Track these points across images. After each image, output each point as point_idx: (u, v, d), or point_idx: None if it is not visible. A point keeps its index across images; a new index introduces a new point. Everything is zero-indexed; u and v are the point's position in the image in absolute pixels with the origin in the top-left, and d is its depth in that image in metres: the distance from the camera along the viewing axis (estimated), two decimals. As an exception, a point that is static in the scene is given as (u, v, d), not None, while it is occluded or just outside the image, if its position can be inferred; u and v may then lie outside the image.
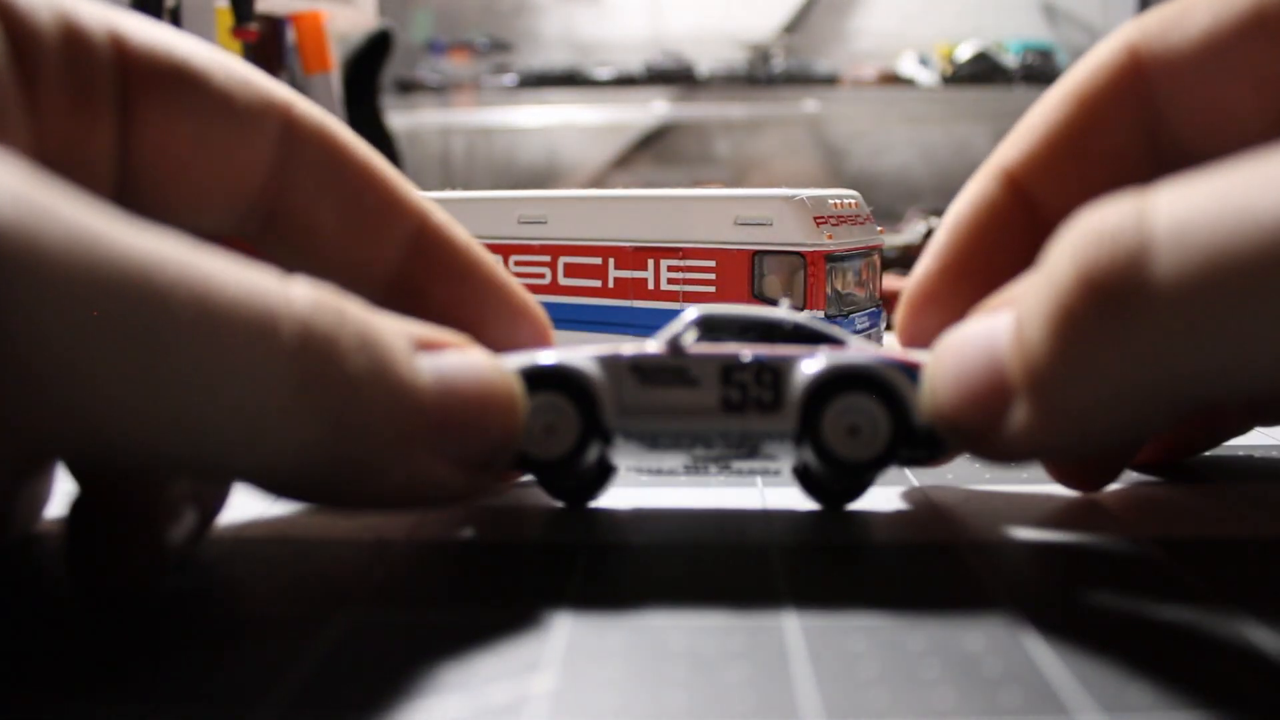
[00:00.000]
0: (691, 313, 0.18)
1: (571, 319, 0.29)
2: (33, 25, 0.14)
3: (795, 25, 1.71)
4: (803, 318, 0.18)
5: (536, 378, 0.17)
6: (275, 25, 0.58)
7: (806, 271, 0.26)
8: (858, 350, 0.18)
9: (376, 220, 0.18)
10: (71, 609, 0.16)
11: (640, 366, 0.17)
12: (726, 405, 0.17)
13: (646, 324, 0.28)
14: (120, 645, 0.14)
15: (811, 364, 0.17)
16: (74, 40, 0.15)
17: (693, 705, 0.13)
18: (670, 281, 0.28)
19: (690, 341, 0.18)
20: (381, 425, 0.14)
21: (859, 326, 0.28)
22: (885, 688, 0.13)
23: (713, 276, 0.27)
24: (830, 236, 0.26)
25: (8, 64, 0.14)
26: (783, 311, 0.18)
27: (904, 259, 0.58)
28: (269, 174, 0.17)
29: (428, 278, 0.19)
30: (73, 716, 0.12)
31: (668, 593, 0.16)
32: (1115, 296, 0.12)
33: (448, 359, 0.15)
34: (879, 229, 0.30)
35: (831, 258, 0.26)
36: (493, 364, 0.16)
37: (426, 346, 0.15)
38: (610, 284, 0.29)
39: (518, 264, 0.30)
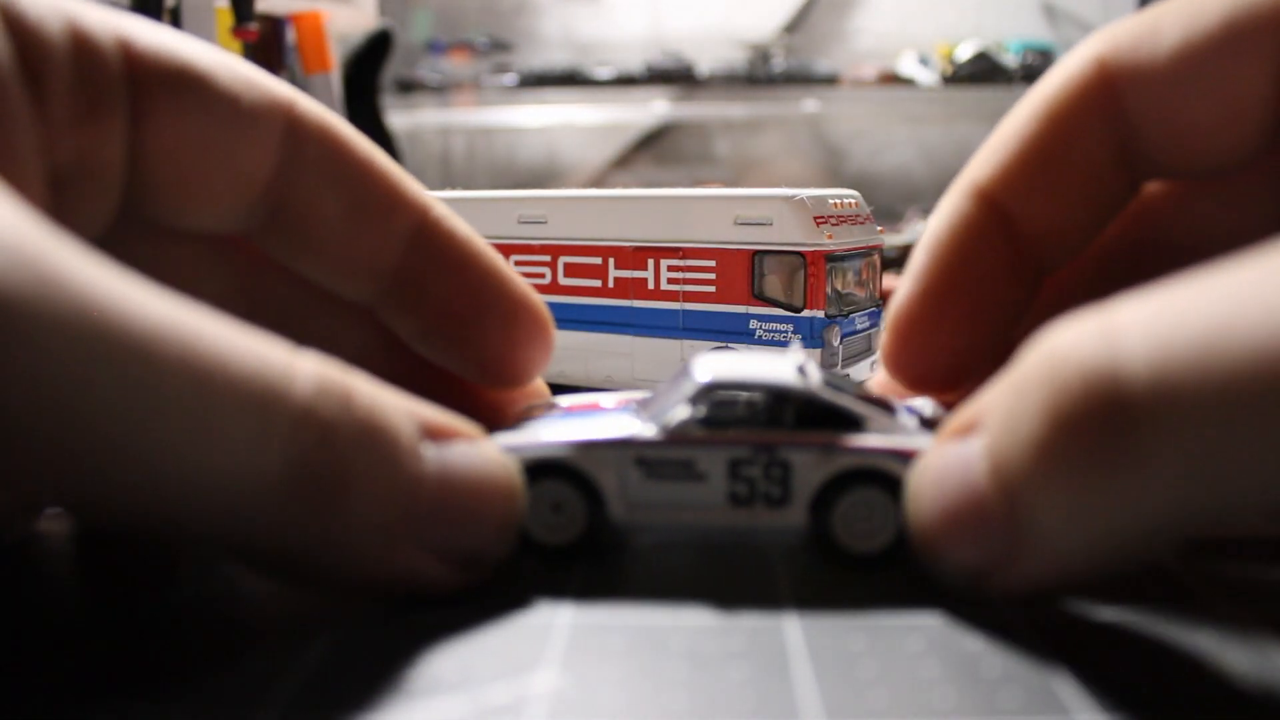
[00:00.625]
0: (698, 380, 0.17)
1: (572, 319, 0.29)
2: (43, 36, 0.14)
3: (795, 25, 1.71)
4: (815, 383, 0.16)
5: (542, 469, 0.17)
6: (275, 25, 0.58)
7: (807, 271, 0.26)
8: (871, 435, 0.16)
9: (378, 215, 0.18)
10: (71, 611, 0.16)
11: (645, 460, 0.16)
12: (734, 500, 0.16)
13: (646, 324, 0.28)
14: (120, 645, 0.14)
15: (820, 461, 0.16)
16: (83, 48, 0.15)
17: (693, 705, 0.13)
18: (670, 281, 0.28)
19: (696, 419, 0.17)
20: (371, 520, 0.13)
21: (859, 326, 0.28)
22: (885, 687, 0.13)
23: (713, 276, 0.27)
24: (830, 236, 0.26)
25: (17, 77, 0.14)
26: (792, 376, 0.16)
27: (904, 259, 0.58)
28: (273, 172, 0.17)
29: (429, 271, 0.19)
30: (72, 717, 0.12)
31: (668, 592, 0.16)
32: (1097, 440, 0.12)
33: (454, 452, 0.15)
34: (879, 229, 0.30)
35: (832, 257, 0.26)
36: (499, 460, 0.15)
37: (435, 434, 0.15)
38: (610, 284, 0.29)
39: (518, 264, 0.30)
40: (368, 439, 0.13)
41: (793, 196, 0.26)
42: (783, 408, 0.16)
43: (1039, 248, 0.17)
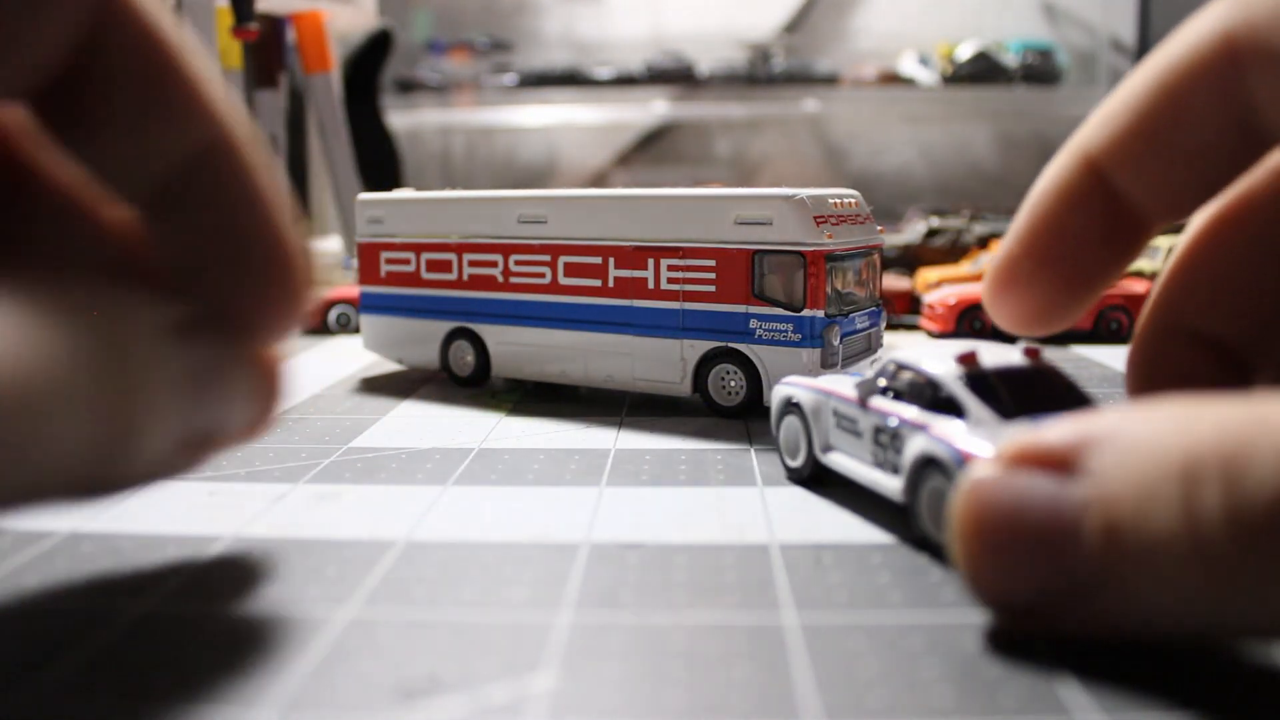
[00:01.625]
0: (890, 357, 0.20)
1: (572, 319, 0.29)
2: None
3: (795, 25, 1.71)
4: (956, 386, 0.18)
5: (790, 407, 0.22)
6: (275, 25, 0.58)
7: (806, 271, 0.26)
8: (959, 431, 0.17)
9: (168, 123, 0.17)
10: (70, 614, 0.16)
11: (838, 411, 0.20)
12: (875, 460, 0.19)
13: (646, 323, 0.28)
14: (121, 645, 0.14)
15: (916, 443, 0.18)
16: None
17: (693, 704, 0.13)
18: (670, 281, 0.28)
19: (878, 388, 0.19)
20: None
21: (859, 325, 0.28)
22: (884, 687, 0.13)
23: (713, 276, 0.27)
24: (830, 236, 0.26)
25: None
26: (946, 364, 0.18)
27: (904, 258, 0.58)
28: (72, 48, 0.16)
29: (202, 194, 0.17)
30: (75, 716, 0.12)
31: (668, 591, 0.16)
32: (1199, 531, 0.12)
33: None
34: (879, 228, 0.30)
35: (831, 257, 0.26)
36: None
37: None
38: (610, 283, 0.29)
39: (518, 264, 0.30)
40: None
41: (792, 196, 0.26)
42: (925, 390, 0.18)
43: (1143, 213, 0.17)
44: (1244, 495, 0.11)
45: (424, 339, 0.32)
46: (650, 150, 1.76)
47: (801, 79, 1.55)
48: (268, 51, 0.58)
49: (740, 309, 0.27)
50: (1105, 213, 0.17)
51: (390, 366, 0.36)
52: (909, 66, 1.52)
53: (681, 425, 0.27)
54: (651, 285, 0.28)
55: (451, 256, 0.31)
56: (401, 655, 0.14)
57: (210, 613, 0.15)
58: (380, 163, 0.72)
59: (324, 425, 0.27)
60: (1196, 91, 0.16)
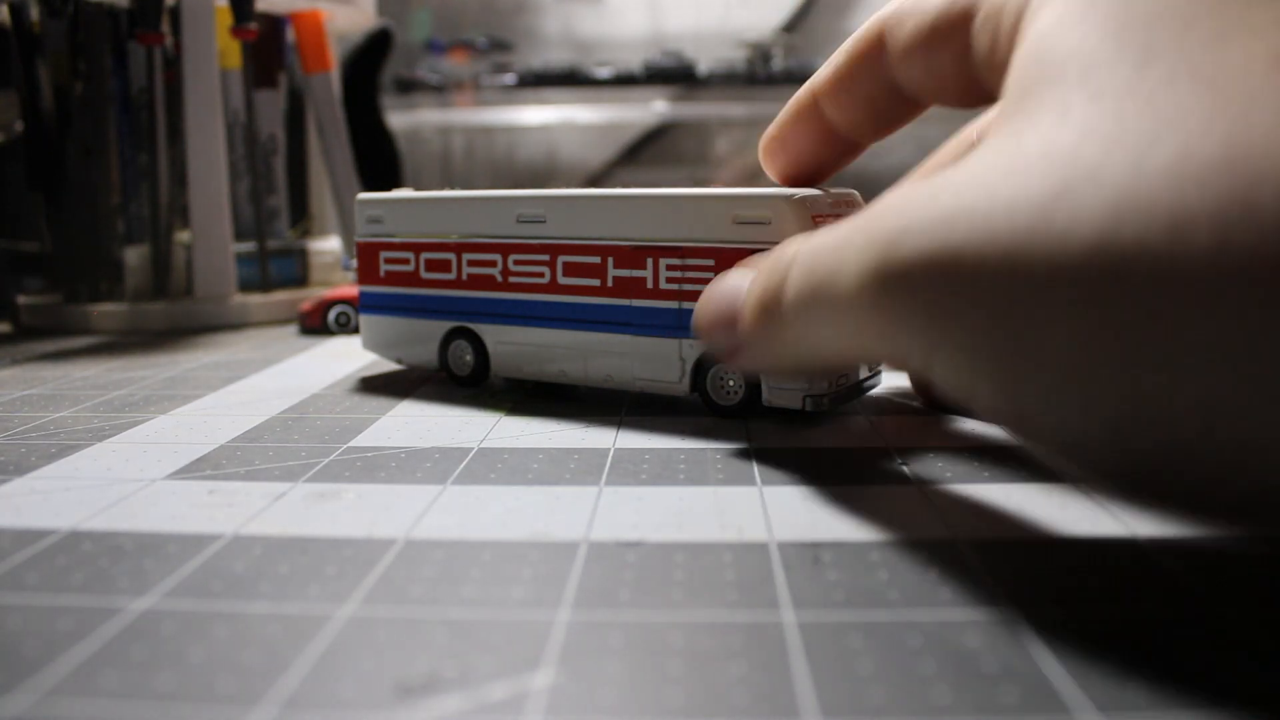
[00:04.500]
0: None
1: (572, 318, 0.29)
2: None
3: (795, 24, 1.71)
4: None
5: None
6: (275, 24, 0.58)
7: None
8: None
9: None
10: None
11: None
12: None
13: (645, 323, 0.28)
14: (121, 644, 0.14)
15: None
16: None
17: (691, 702, 0.13)
18: (669, 280, 0.27)
19: None
20: None
21: None
22: (883, 685, 0.13)
23: (711, 276, 0.27)
24: None
25: None
26: None
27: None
28: None
29: None
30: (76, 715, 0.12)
31: (666, 589, 0.16)
32: (770, 310, 0.19)
33: None
34: None
35: None
36: None
37: None
38: (609, 283, 0.28)
39: (517, 263, 0.30)
40: None
41: (791, 196, 0.26)
42: None
43: (841, 133, 0.25)
44: (780, 300, 0.19)
45: (423, 339, 0.32)
46: (650, 150, 1.76)
47: (801, 78, 1.55)
48: (267, 51, 0.58)
49: None
50: (818, 128, 0.25)
51: (390, 366, 0.36)
52: (908, 66, 1.51)
53: (681, 425, 0.27)
54: (650, 285, 0.28)
55: (450, 256, 0.31)
56: (401, 653, 0.14)
57: (210, 611, 0.15)
58: (380, 162, 0.72)
59: (324, 425, 0.27)
60: (863, 56, 0.23)
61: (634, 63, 1.60)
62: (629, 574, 0.17)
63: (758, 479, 0.22)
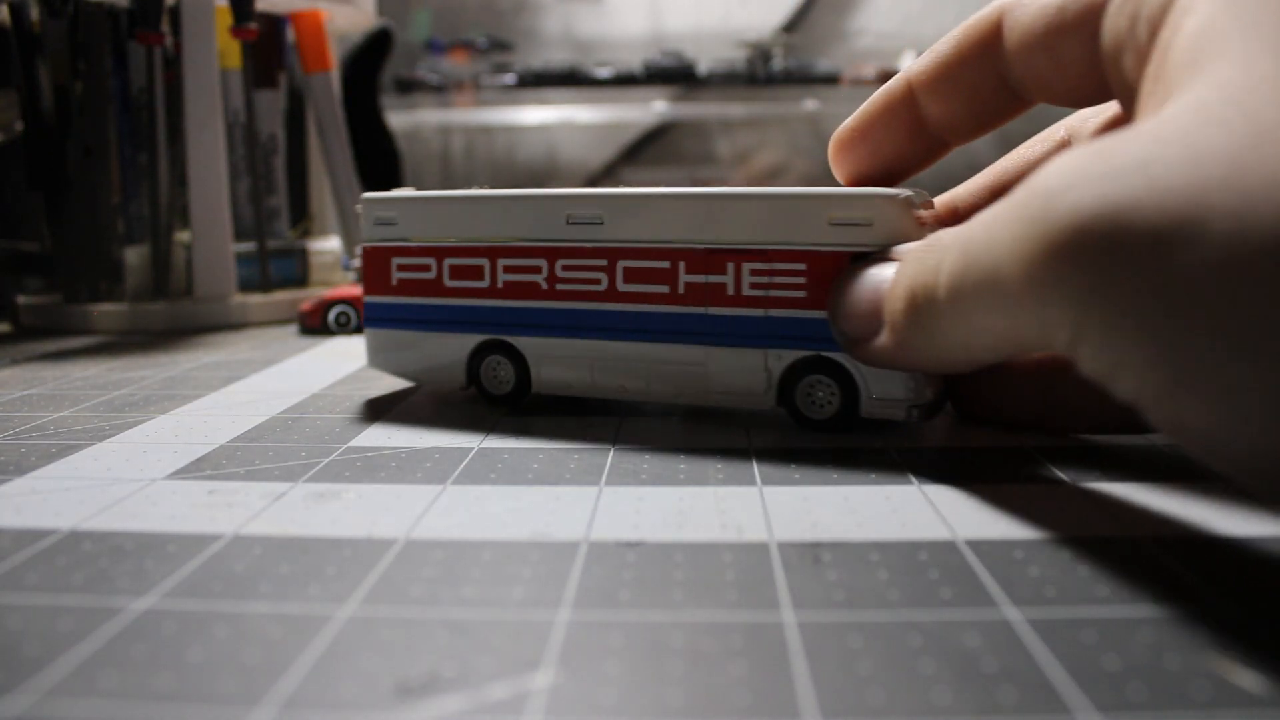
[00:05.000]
0: None
1: (634, 328, 0.26)
2: None
3: (795, 24, 1.71)
4: None
5: None
6: (275, 24, 0.58)
7: None
8: None
9: None
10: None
11: None
12: None
13: (723, 332, 0.25)
14: (121, 644, 0.14)
15: None
16: None
17: (691, 702, 0.13)
18: (754, 287, 0.25)
19: None
20: None
21: None
22: (883, 685, 0.13)
23: (803, 281, 0.24)
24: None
25: None
26: None
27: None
28: None
29: None
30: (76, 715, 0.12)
31: (667, 589, 0.16)
32: (920, 302, 0.19)
33: None
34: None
35: None
36: None
37: None
38: (680, 290, 0.26)
39: (566, 269, 0.27)
40: None
41: (895, 195, 0.24)
42: None
43: (934, 129, 0.24)
44: (933, 290, 0.18)
45: (446, 354, 0.29)
46: (650, 150, 1.76)
47: (801, 79, 1.55)
48: (267, 51, 0.58)
49: None
50: (909, 122, 0.24)
51: (390, 366, 0.36)
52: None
53: (681, 425, 0.27)
54: (731, 291, 0.25)
55: (483, 262, 0.27)
56: (401, 653, 0.14)
57: (210, 611, 0.15)
58: (380, 162, 0.72)
59: (324, 424, 0.27)
60: (975, 45, 0.22)
61: (634, 63, 1.60)
62: (629, 574, 0.17)
63: (758, 479, 0.22)
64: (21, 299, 0.54)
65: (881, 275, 0.21)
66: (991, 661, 0.13)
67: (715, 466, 0.23)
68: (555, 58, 1.68)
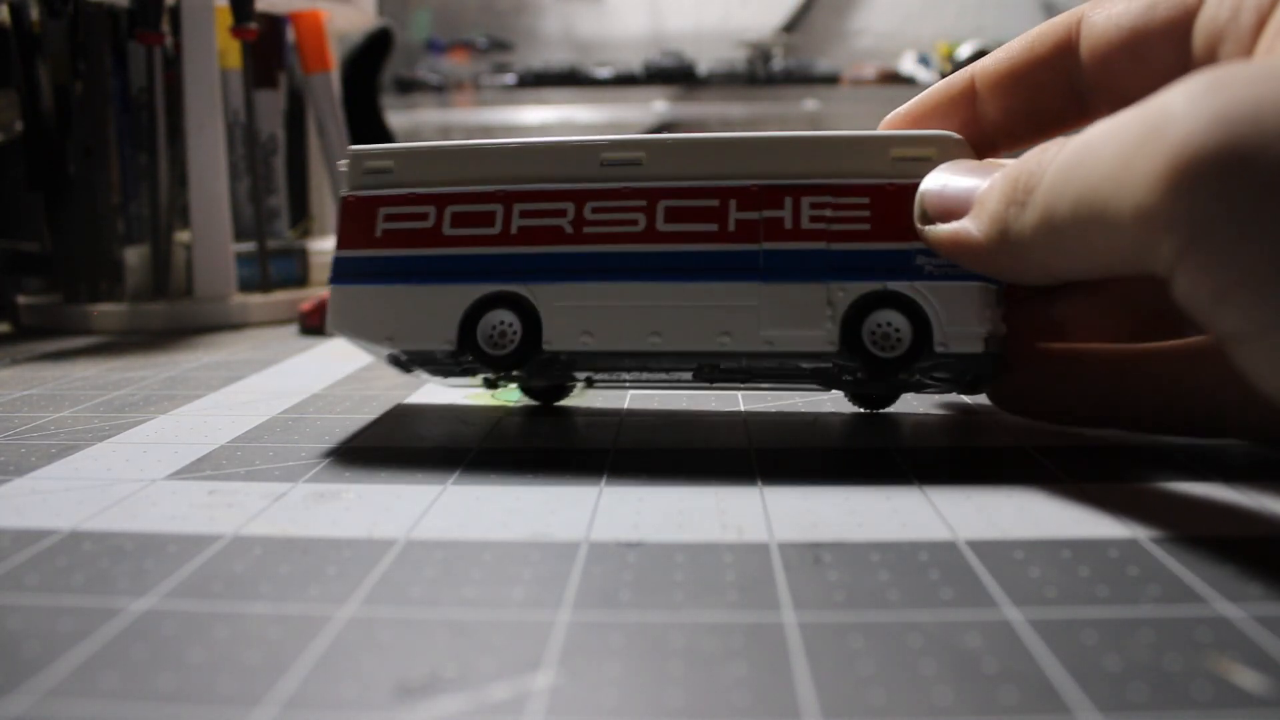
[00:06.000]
0: None
1: (675, 268, 0.24)
2: None
3: (795, 24, 1.71)
4: None
5: None
6: (275, 24, 0.58)
7: None
8: None
9: None
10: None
11: None
12: None
13: (781, 267, 0.23)
14: (121, 645, 0.14)
15: None
16: None
17: (691, 703, 0.13)
18: (814, 220, 0.23)
19: None
20: None
21: None
22: (883, 685, 0.13)
23: (867, 214, 0.23)
24: None
25: None
26: None
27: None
28: None
29: None
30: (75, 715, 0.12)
31: (667, 590, 0.16)
32: (1019, 195, 0.18)
33: None
34: None
35: None
36: None
37: None
38: (731, 227, 0.24)
39: (597, 210, 0.24)
40: None
41: (956, 136, 0.23)
42: None
43: (991, 128, 0.24)
44: (1027, 192, 0.18)
45: (434, 311, 0.25)
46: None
47: (801, 78, 1.55)
48: (267, 51, 0.58)
49: (904, 246, 0.23)
50: (965, 119, 0.24)
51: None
52: (909, 66, 1.52)
53: (681, 425, 0.27)
54: (789, 225, 0.23)
55: (495, 208, 0.25)
56: (401, 653, 0.14)
57: (210, 612, 0.15)
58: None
59: (324, 424, 0.27)
60: (1050, 46, 0.22)
61: (634, 63, 1.60)
62: (629, 574, 0.17)
63: (758, 479, 0.22)
64: (21, 299, 0.54)
65: (972, 184, 0.21)
66: (992, 662, 0.13)
67: (715, 466, 0.23)
68: (555, 58, 1.68)
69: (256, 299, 0.52)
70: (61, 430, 0.27)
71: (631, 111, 1.60)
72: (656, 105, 1.59)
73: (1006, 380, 0.25)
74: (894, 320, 0.23)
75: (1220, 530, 0.18)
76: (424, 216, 0.25)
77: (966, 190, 0.21)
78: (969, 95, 0.24)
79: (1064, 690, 0.13)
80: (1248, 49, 0.18)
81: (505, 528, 0.19)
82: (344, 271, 0.26)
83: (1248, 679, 0.13)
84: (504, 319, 0.25)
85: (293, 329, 0.49)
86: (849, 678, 0.13)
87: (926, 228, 0.22)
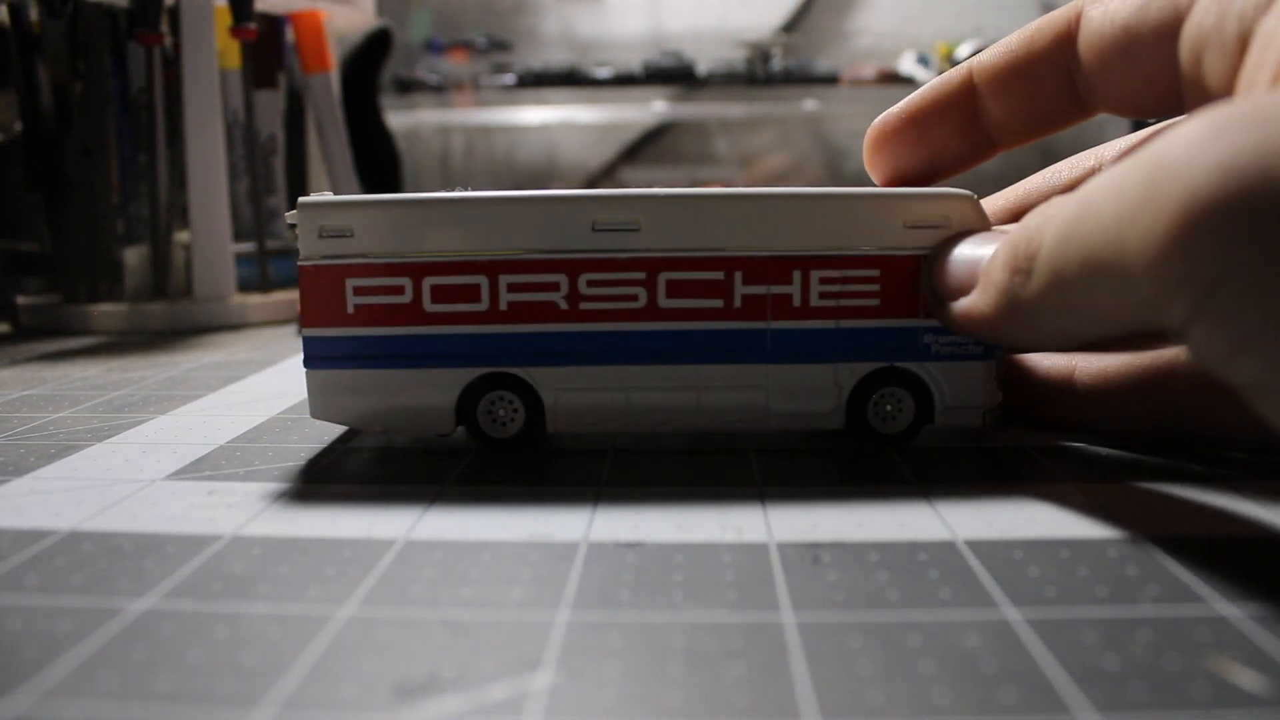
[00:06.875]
0: None
1: (681, 349, 0.23)
2: None
3: (795, 24, 1.71)
4: None
5: None
6: (274, 24, 0.58)
7: None
8: None
9: None
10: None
11: None
12: None
13: (789, 348, 0.23)
14: (121, 645, 0.14)
15: None
16: None
17: (691, 703, 0.13)
18: (823, 296, 0.23)
19: None
20: None
21: None
22: (882, 685, 0.13)
23: (876, 289, 0.23)
24: None
25: None
26: None
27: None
28: None
29: None
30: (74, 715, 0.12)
31: (666, 590, 0.16)
32: (1020, 264, 0.18)
33: None
34: None
35: None
36: None
37: None
38: (737, 303, 0.23)
39: (593, 284, 0.23)
40: None
41: (969, 196, 0.22)
42: None
43: (989, 125, 0.23)
44: (1029, 260, 0.17)
45: (427, 396, 0.23)
46: (650, 150, 1.76)
47: (801, 79, 1.55)
48: (266, 51, 0.58)
49: (911, 324, 0.23)
50: (964, 115, 0.23)
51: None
52: (908, 66, 1.52)
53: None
54: (798, 303, 0.23)
55: (479, 280, 0.23)
56: (400, 653, 0.14)
57: (210, 612, 0.15)
58: (379, 163, 0.72)
59: (323, 425, 0.27)
60: (1049, 41, 0.22)
61: (634, 63, 1.60)
62: (629, 575, 0.17)
63: (758, 479, 0.22)
64: (21, 299, 0.54)
65: (978, 254, 0.20)
66: (991, 661, 0.13)
67: (715, 467, 0.23)
68: (555, 58, 1.68)
69: (256, 299, 0.52)
70: (61, 430, 0.27)
71: (631, 111, 1.60)
72: (656, 105, 1.59)
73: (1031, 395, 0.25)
74: (899, 395, 0.23)
75: (1220, 530, 0.18)
76: (399, 290, 0.23)
77: (971, 263, 0.20)
78: (968, 92, 0.23)
79: (1063, 690, 0.13)
80: (1233, 59, 0.18)
81: (504, 528, 0.19)
82: (317, 353, 0.23)
83: (1247, 679, 0.13)
84: (501, 402, 0.24)
85: (292, 329, 0.49)
86: (848, 678, 0.13)
87: (938, 309, 0.21)
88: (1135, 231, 0.14)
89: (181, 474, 0.23)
